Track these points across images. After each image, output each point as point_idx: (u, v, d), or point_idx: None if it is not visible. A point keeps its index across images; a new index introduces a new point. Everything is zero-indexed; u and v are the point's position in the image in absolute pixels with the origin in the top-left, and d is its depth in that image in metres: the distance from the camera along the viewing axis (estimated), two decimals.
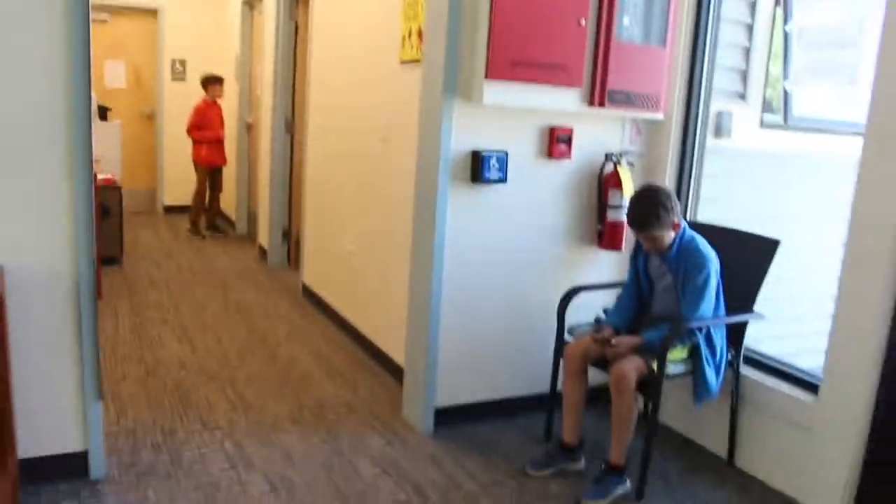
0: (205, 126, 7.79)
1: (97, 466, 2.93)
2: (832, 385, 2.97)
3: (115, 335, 4.59)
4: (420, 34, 3.71)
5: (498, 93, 3.22)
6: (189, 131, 7.83)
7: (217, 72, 8.21)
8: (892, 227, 2.72)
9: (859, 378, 2.86)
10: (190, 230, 8.07)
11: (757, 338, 3.47)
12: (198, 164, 7.94)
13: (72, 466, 2.90)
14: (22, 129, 2.61)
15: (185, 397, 3.77)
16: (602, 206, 3.69)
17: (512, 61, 3.18)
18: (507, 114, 3.42)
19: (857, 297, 2.86)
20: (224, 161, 8.05)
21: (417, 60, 3.74)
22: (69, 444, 2.88)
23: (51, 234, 2.69)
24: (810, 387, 3.14)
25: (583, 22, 3.30)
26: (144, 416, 3.52)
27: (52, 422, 2.83)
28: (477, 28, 3.16)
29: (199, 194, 8.03)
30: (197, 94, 7.99)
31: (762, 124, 4.10)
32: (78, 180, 2.68)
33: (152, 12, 9.03)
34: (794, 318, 4.05)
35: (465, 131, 3.35)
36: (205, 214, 8.15)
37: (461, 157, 3.36)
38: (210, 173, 8.01)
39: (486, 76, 3.16)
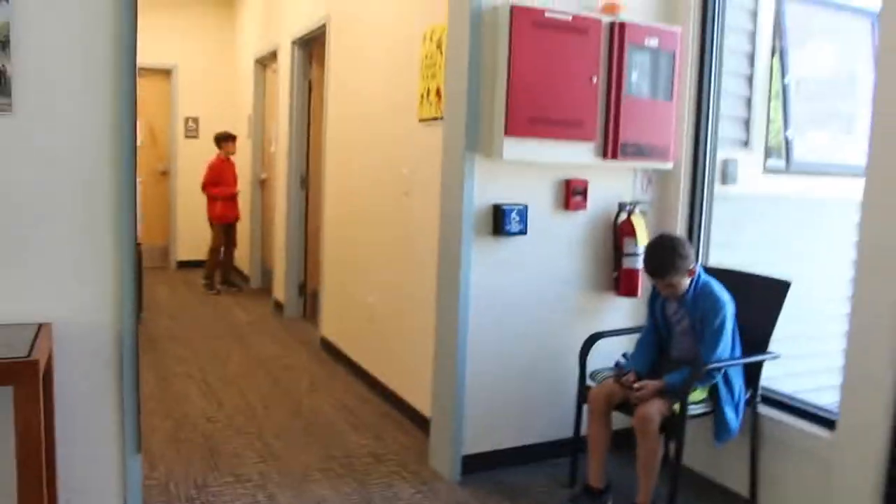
0: (220, 182, 7.97)
1: None
2: (848, 419, 3.05)
3: (141, 393, 4.67)
4: (438, 93, 3.87)
5: (517, 148, 3.37)
6: (204, 188, 8.00)
7: (229, 129, 8.42)
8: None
9: (874, 411, 2.93)
10: (205, 285, 8.19)
11: (774, 377, 3.57)
12: (212, 220, 8.10)
13: None
14: (74, 190, 2.73)
15: (214, 450, 3.85)
16: (618, 254, 3.81)
17: (530, 118, 3.34)
18: (526, 168, 3.56)
19: (867, 333, 2.95)
20: (238, 216, 8.20)
21: (437, 118, 3.90)
22: (108, 497, 2.94)
23: (98, 291, 2.79)
24: (827, 423, 3.22)
25: (595, 80, 3.46)
26: (176, 470, 3.61)
27: (92, 476, 2.89)
28: (496, 87, 3.33)
29: (214, 250, 8.18)
30: (209, 151, 8.19)
31: (765, 170, 4.24)
32: (123, 239, 2.80)
33: (166, 71, 9.29)
34: (811, 356, 4.14)
35: (487, 186, 3.49)
36: (219, 269, 8.28)
37: (483, 210, 3.50)
38: (225, 229, 8.16)
39: (506, 133, 3.31)
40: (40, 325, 2.62)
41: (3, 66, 2.57)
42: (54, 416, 2.69)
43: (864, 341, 2.98)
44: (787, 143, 4.32)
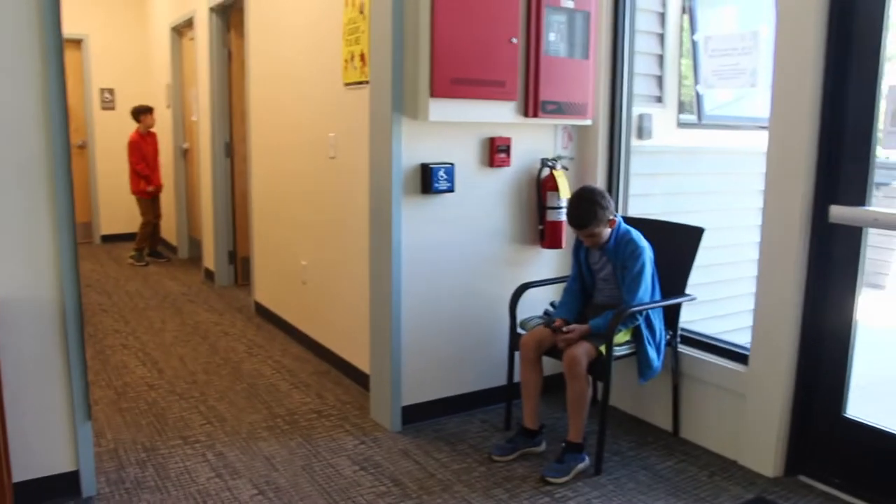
0: (146, 158, 7.88)
1: (89, 484, 3.08)
2: (759, 353, 3.32)
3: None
4: (363, 58, 3.96)
5: (442, 109, 3.50)
6: (135, 168, 7.86)
7: (147, 98, 8.30)
8: (798, 208, 3.08)
9: (782, 345, 3.21)
10: (133, 258, 8.12)
11: (696, 321, 3.82)
12: (139, 195, 8.00)
13: (64, 486, 3.04)
14: (9, 170, 2.77)
15: (159, 416, 3.93)
16: (542, 207, 3.99)
17: (453, 80, 3.46)
18: (451, 128, 3.70)
19: (773, 274, 3.22)
20: (160, 186, 8.12)
21: (362, 82, 3.99)
22: (61, 464, 3.03)
23: (37, 264, 2.85)
24: (741, 357, 3.48)
25: (514, 40, 3.60)
26: (124, 436, 3.68)
27: (43, 444, 2.98)
28: (419, 50, 3.43)
29: (146, 224, 8.09)
30: (128, 122, 8.06)
31: (679, 124, 4.48)
32: (61, 213, 2.85)
33: (76, 42, 9.05)
34: (727, 299, 4.44)
35: (414, 146, 3.61)
36: (148, 241, 8.21)
37: (411, 170, 3.62)
38: (152, 201, 8.09)
39: (431, 95, 3.43)
40: None
41: None
42: (2, 387, 2.74)
43: (771, 282, 3.24)
44: (698, 98, 4.56)
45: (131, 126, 7.95)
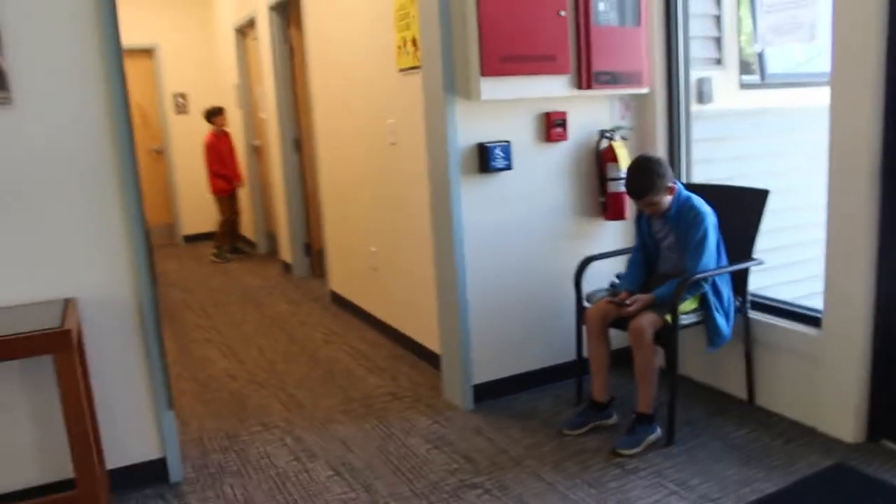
0: (222, 158, 8.10)
1: (175, 470, 3.24)
2: (832, 317, 3.24)
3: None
4: (415, 42, 4.00)
5: (494, 88, 3.51)
6: (212, 169, 8.11)
7: (218, 100, 8.53)
8: (866, 165, 2.99)
9: (856, 307, 3.13)
10: (216, 255, 8.37)
11: (767, 286, 3.74)
12: (219, 194, 8.24)
13: (153, 472, 3.21)
14: (79, 174, 2.91)
15: (241, 405, 4.07)
16: (602, 179, 3.97)
17: (503, 57, 3.47)
18: (505, 106, 3.71)
19: (844, 234, 3.13)
20: (241, 182, 8.35)
21: (415, 67, 4.03)
22: (148, 452, 3.19)
23: (113, 266, 3.00)
24: (814, 321, 3.40)
25: (562, 13, 3.58)
26: (208, 425, 3.83)
27: (131, 433, 3.14)
28: (467, 32, 3.45)
29: (226, 222, 8.34)
30: (201, 125, 8.31)
31: (741, 85, 4.38)
32: (132, 216, 2.99)
33: (148, 51, 9.36)
34: (799, 263, 4.32)
35: (469, 126, 3.64)
36: (227, 239, 8.46)
37: (468, 150, 3.65)
38: (230, 199, 8.32)
39: (482, 74, 3.45)
40: (66, 301, 2.82)
41: None
42: (90, 381, 2.90)
43: (842, 243, 3.16)
44: (761, 56, 4.45)
45: (205, 128, 8.20)
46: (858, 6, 2.92)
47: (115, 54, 2.90)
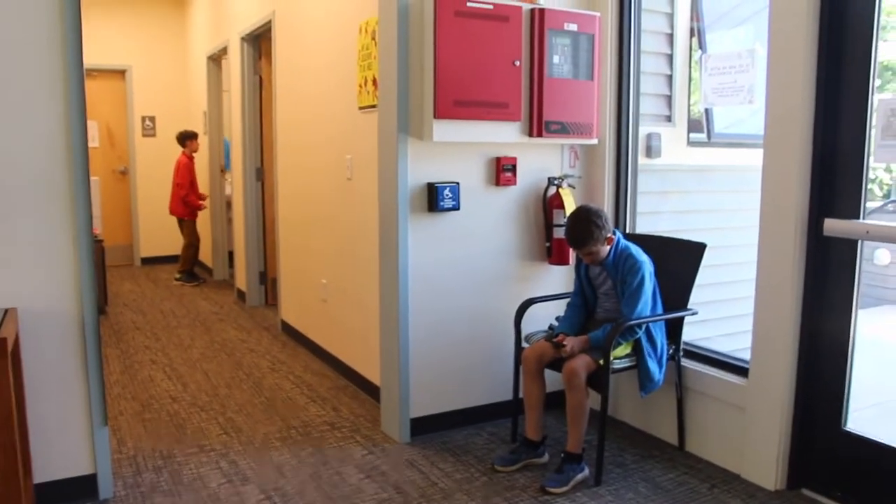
0: (193, 181, 8.15)
1: (105, 487, 3.24)
2: (758, 367, 3.36)
3: (108, 377, 4.89)
4: (375, 82, 4.11)
5: (446, 130, 3.63)
6: (186, 189, 8.12)
7: (185, 126, 8.58)
8: (794, 224, 3.14)
9: (780, 358, 3.25)
10: (181, 279, 8.35)
11: (710, 338, 3.86)
12: (184, 217, 8.25)
13: (82, 488, 3.20)
14: (31, 187, 2.96)
15: (179, 427, 4.08)
16: (548, 225, 4.08)
17: (456, 102, 3.59)
18: (456, 148, 3.82)
19: (771, 288, 3.26)
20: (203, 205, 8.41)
21: (374, 106, 4.14)
22: (79, 467, 3.19)
23: (57, 279, 3.03)
24: (742, 371, 3.52)
25: (517, 63, 3.72)
26: (143, 445, 3.83)
27: (63, 448, 3.14)
28: (424, 74, 3.58)
29: (190, 246, 8.35)
30: (167, 149, 8.39)
31: (689, 142, 4.55)
32: (80, 231, 3.03)
33: (121, 72, 9.41)
34: (740, 317, 4.45)
35: (420, 166, 3.74)
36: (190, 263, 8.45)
37: (417, 189, 3.75)
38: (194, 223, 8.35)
39: (435, 116, 3.57)
40: (6, 310, 2.85)
41: None
42: (24, 391, 2.92)
43: (769, 297, 3.29)
44: (708, 115, 4.63)
45: (171, 153, 8.24)
46: (790, 72, 3.09)
47: (77, 74, 2.96)
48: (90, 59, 3.04)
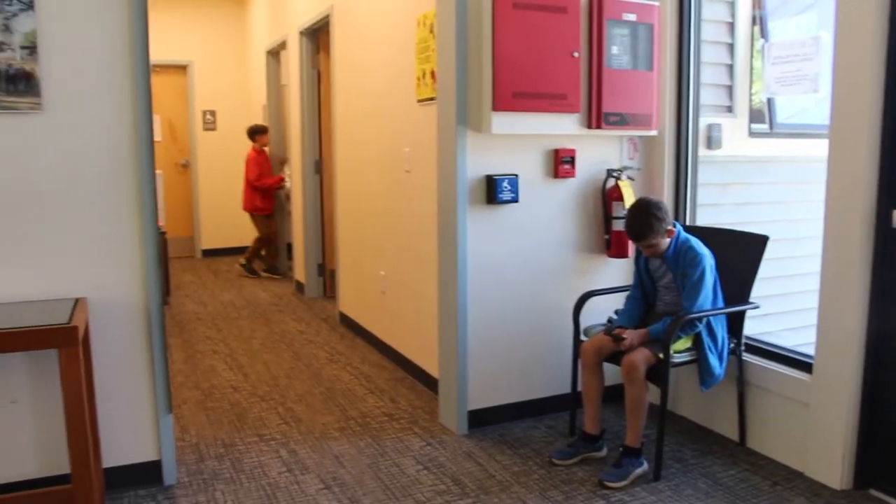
0: (263, 174, 8.24)
1: (169, 473, 3.33)
2: (823, 363, 3.29)
3: (171, 367, 5.01)
4: (433, 75, 4.12)
5: (504, 122, 3.63)
6: (257, 182, 8.20)
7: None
8: (860, 216, 3.06)
9: (847, 354, 3.17)
10: (244, 265, 8.48)
11: (772, 332, 3.79)
12: (257, 212, 8.34)
13: (147, 474, 3.30)
14: (99, 180, 3.05)
15: (240, 416, 4.16)
16: (607, 217, 4.05)
17: (515, 94, 3.58)
18: (515, 140, 3.81)
19: (837, 281, 3.19)
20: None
21: (432, 98, 4.15)
22: (145, 453, 3.28)
23: (124, 270, 3.12)
24: (806, 366, 3.45)
25: (576, 54, 3.70)
26: (206, 433, 3.92)
27: (129, 434, 3.24)
28: (482, 67, 3.58)
29: (262, 239, 8.44)
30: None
31: (751, 133, 4.46)
32: (146, 224, 3.11)
33: (182, 67, 9.60)
34: (804, 311, 4.36)
35: (479, 158, 3.75)
36: (263, 257, 8.57)
37: (476, 181, 3.75)
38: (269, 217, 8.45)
39: (493, 108, 3.56)
40: (76, 300, 2.94)
41: (32, 69, 2.88)
42: (94, 378, 3.01)
43: (835, 290, 3.21)
44: (770, 105, 4.53)
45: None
46: (857, 60, 3.00)
47: (144, 70, 3.04)
48: (153, 54, 3.11)
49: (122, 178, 3.08)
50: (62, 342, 2.49)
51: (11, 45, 2.85)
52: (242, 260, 8.57)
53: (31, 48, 2.87)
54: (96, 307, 3.08)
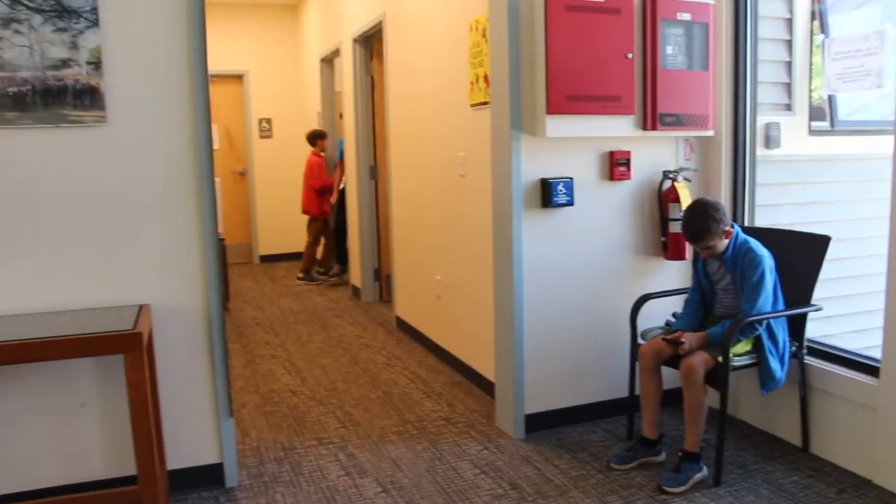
0: (323, 178, 8.33)
1: (231, 476, 3.39)
2: (891, 366, 3.20)
3: (231, 371, 5.09)
4: (486, 79, 4.13)
5: (559, 126, 3.62)
6: (320, 185, 8.26)
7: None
8: None
9: None
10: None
11: (835, 335, 3.71)
12: (315, 216, 8.42)
13: (210, 476, 3.37)
14: (161, 190, 3.13)
15: (299, 420, 4.22)
16: (664, 219, 4.01)
17: (569, 96, 3.57)
18: (569, 143, 3.80)
19: None
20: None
21: (486, 103, 4.16)
22: (207, 456, 3.35)
23: (186, 277, 3.19)
24: (872, 370, 3.36)
25: (630, 56, 3.67)
26: (265, 437, 3.98)
27: (192, 437, 3.31)
28: (536, 70, 3.58)
29: (320, 243, 8.52)
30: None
31: (811, 131, 4.37)
32: (206, 232, 3.18)
33: (238, 76, 9.77)
34: (872, 313, 4.26)
35: (533, 162, 3.74)
36: (320, 260, 8.65)
37: (531, 185, 3.75)
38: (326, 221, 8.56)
39: (548, 112, 3.56)
40: (141, 307, 3.01)
41: (97, 83, 2.97)
42: (157, 384, 3.08)
43: None
44: (831, 103, 4.43)
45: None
46: None
47: (202, 81, 3.11)
48: (210, 65, 3.18)
49: (183, 187, 3.15)
50: (127, 348, 2.56)
51: (78, 62, 2.94)
52: (300, 273, 8.64)
53: (96, 63, 2.96)
54: (159, 313, 3.15)
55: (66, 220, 3.02)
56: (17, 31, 2.87)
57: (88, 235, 3.05)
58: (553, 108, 3.56)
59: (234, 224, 9.79)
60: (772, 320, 3.40)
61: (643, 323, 3.76)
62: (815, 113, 4.50)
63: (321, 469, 3.58)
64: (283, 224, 9.50)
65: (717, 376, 3.29)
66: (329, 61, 8.50)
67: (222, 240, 7.03)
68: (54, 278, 3.03)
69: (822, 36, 4.16)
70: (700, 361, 3.27)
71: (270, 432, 4.05)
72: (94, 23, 2.94)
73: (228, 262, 8.07)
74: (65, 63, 2.93)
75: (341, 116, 8.21)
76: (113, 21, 2.99)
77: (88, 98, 2.97)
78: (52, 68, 2.92)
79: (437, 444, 3.84)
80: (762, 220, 4.05)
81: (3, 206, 2.95)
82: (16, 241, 2.98)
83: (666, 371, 3.51)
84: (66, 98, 2.95)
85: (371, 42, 6.92)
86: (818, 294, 3.51)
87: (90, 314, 2.91)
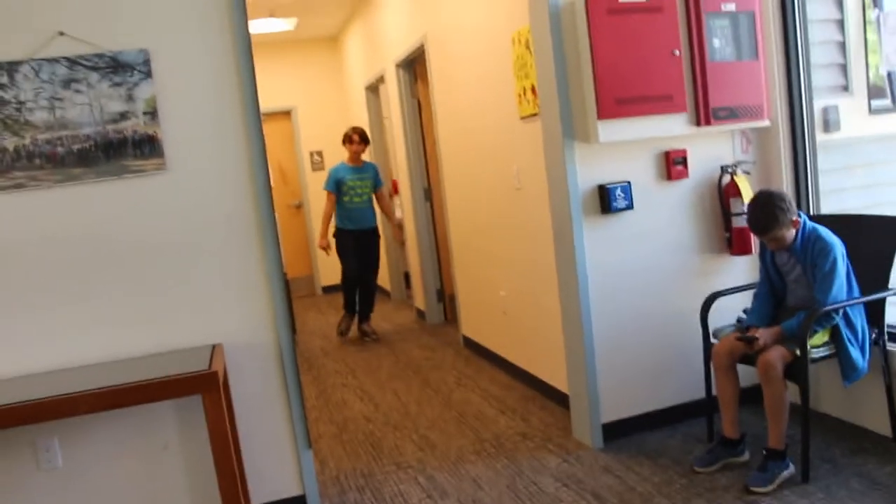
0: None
1: None
2: None
3: (305, 402, 5.13)
4: (534, 90, 4.12)
5: (611, 130, 3.59)
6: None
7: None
8: None
9: None
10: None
11: None
12: None
13: None
14: (223, 230, 3.20)
15: (376, 446, 4.23)
16: (726, 215, 3.94)
17: (618, 100, 3.55)
18: (624, 147, 3.77)
19: None
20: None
21: (535, 114, 4.15)
22: (289, 489, 3.39)
23: (255, 314, 3.25)
24: None
25: (677, 52, 3.63)
26: (344, 465, 4.00)
27: (273, 470, 3.35)
28: (583, 77, 3.56)
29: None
30: None
31: (871, 111, 4.25)
32: (271, 267, 3.23)
33: (287, 113, 9.93)
34: None
35: (589, 169, 3.72)
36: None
37: (589, 192, 3.72)
38: None
39: (599, 117, 3.54)
40: (213, 346, 3.07)
41: (154, 132, 3.05)
42: (235, 420, 3.13)
43: None
44: (891, 80, 4.31)
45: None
46: None
47: (255, 120, 3.17)
48: (259, 103, 3.24)
49: (244, 225, 3.21)
50: (204, 388, 2.61)
51: (135, 113, 3.03)
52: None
53: (152, 113, 3.05)
54: (232, 351, 3.20)
55: (133, 267, 3.11)
56: (77, 91, 2.97)
57: (156, 281, 3.13)
58: (603, 113, 3.54)
59: (295, 257, 9.91)
60: (848, 308, 3.31)
61: (714, 322, 3.69)
62: (875, 91, 4.38)
63: (402, 494, 3.58)
64: None
65: (797, 370, 3.21)
66: (374, 89, 8.59)
67: (285, 274, 7.12)
68: (127, 325, 3.11)
69: (877, 11, 4.05)
70: (777, 356, 3.19)
71: (349, 461, 4.07)
72: (147, 74, 3.03)
73: (293, 296, 8.17)
74: (123, 116, 3.02)
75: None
76: (164, 71, 3.07)
77: (147, 147, 3.05)
78: (111, 122, 3.02)
79: (516, 460, 3.82)
80: (828, 206, 3.95)
81: (75, 259, 3.05)
82: (89, 292, 3.07)
83: (742, 368, 3.44)
84: (126, 149, 3.04)
85: (414, 65, 6.98)
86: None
87: (165, 357, 2.97)
